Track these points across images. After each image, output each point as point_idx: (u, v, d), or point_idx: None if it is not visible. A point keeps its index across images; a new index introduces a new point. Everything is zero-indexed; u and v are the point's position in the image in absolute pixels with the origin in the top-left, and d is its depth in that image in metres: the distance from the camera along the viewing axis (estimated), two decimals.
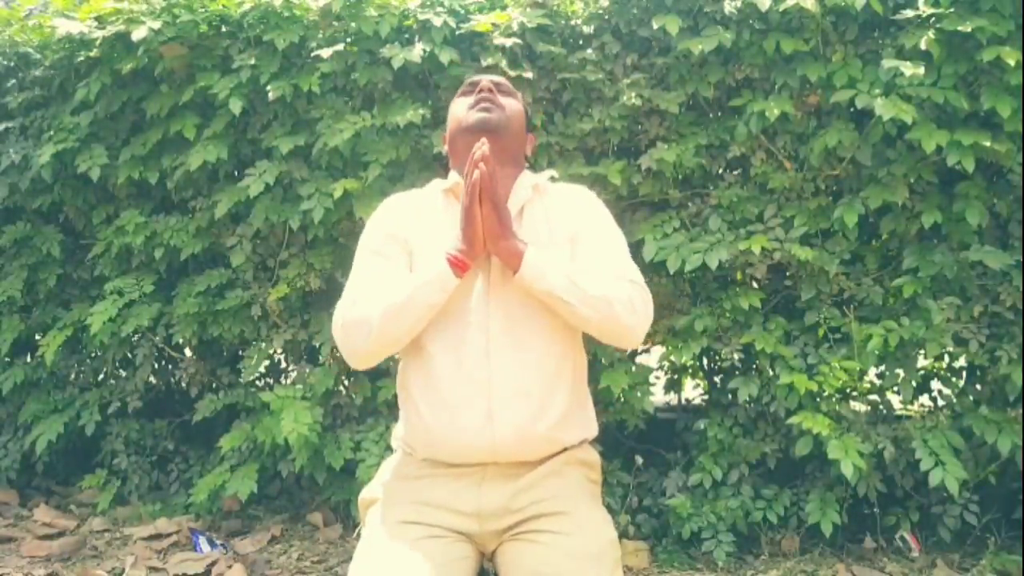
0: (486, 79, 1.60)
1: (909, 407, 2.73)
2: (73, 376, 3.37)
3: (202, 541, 2.79)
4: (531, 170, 1.65)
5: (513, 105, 1.60)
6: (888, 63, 2.34)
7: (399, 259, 1.50)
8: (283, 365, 3.42)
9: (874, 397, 2.70)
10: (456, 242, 1.41)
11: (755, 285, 2.78)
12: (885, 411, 2.69)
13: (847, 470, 2.36)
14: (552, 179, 1.65)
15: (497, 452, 1.42)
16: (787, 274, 2.69)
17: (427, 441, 1.47)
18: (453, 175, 1.59)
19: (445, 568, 1.36)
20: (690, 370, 3.10)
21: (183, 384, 3.20)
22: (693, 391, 3.33)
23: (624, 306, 1.42)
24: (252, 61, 2.75)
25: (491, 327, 1.44)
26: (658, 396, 3.11)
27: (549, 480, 1.47)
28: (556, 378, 1.46)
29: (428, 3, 2.73)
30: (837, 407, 2.55)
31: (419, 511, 1.45)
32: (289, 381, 3.26)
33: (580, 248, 1.50)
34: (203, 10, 2.80)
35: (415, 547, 1.38)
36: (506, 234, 1.40)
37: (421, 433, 1.48)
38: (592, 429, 1.59)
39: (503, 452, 1.43)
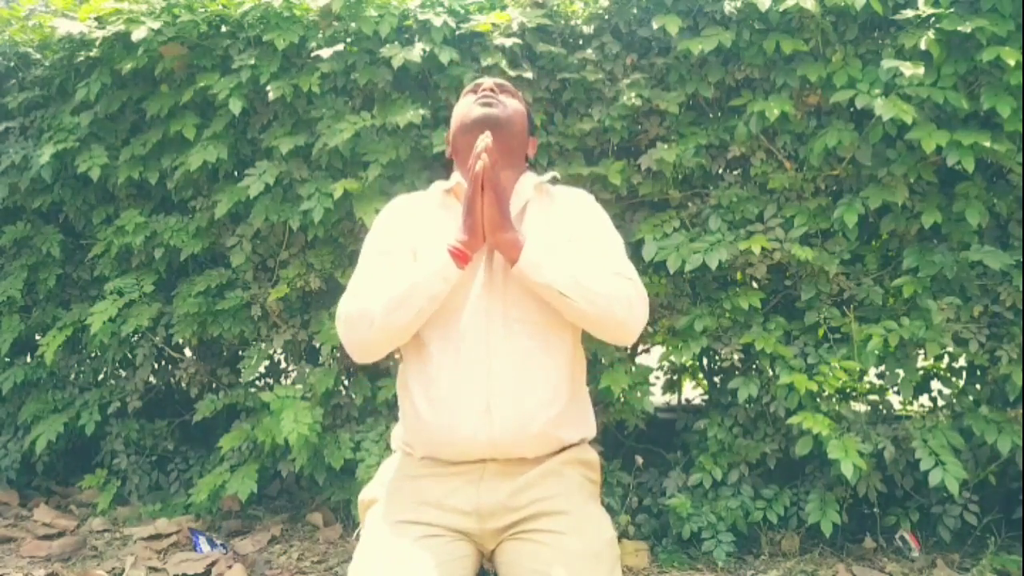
0: (489, 80, 1.63)
1: (909, 407, 2.73)
2: (73, 376, 3.37)
3: (202, 541, 2.79)
4: (533, 171, 1.66)
5: (515, 105, 1.61)
6: (888, 63, 2.35)
7: (403, 257, 1.51)
8: (283, 365, 3.42)
9: (874, 397, 2.70)
10: (457, 233, 1.42)
11: (755, 285, 2.78)
12: (885, 411, 2.69)
13: (847, 470, 2.36)
14: (554, 180, 1.66)
15: (496, 447, 1.43)
16: (787, 274, 2.69)
17: (426, 437, 1.47)
18: (455, 175, 1.61)
19: (445, 567, 1.36)
20: (690, 370, 3.10)
21: (183, 384, 3.20)
22: (693, 391, 3.33)
23: (621, 303, 1.43)
24: (252, 61, 2.75)
25: (490, 323, 1.45)
26: (658, 396, 3.12)
27: (548, 479, 1.47)
28: (555, 375, 1.47)
29: (428, 3, 2.73)
30: (837, 407, 2.55)
31: (418, 510, 1.45)
32: (289, 381, 3.26)
33: (578, 246, 1.51)
34: (203, 10, 2.80)
35: (415, 546, 1.38)
36: (506, 225, 1.41)
37: (420, 429, 1.48)
38: (591, 428, 1.59)
39: (502, 448, 1.43)
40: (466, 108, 1.60)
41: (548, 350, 1.47)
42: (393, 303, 1.41)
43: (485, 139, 1.41)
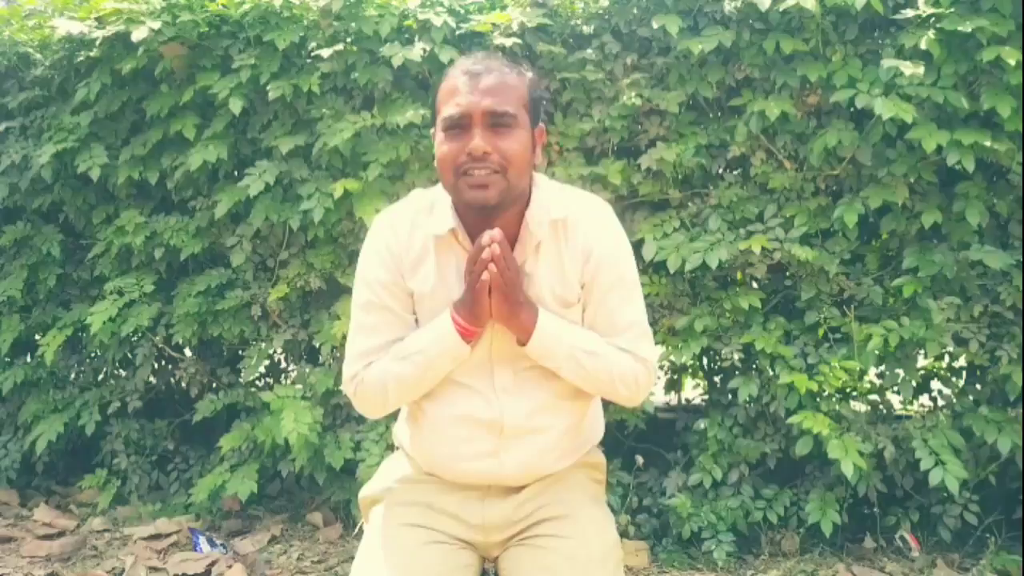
0: (478, 140, 1.29)
1: (909, 407, 2.73)
2: (73, 376, 3.37)
3: (202, 541, 2.79)
4: (542, 168, 1.52)
5: (512, 149, 1.30)
6: (888, 63, 2.34)
7: (401, 306, 1.42)
8: (283, 365, 3.42)
9: (874, 397, 2.70)
10: (462, 311, 1.34)
11: (755, 285, 2.78)
12: (885, 411, 2.69)
13: (847, 470, 2.35)
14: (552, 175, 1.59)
15: (503, 481, 1.44)
16: (787, 274, 2.69)
17: (430, 465, 1.48)
18: (441, 208, 1.41)
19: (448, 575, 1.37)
20: (690, 370, 3.10)
21: (183, 384, 3.20)
22: (693, 391, 3.33)
23: (626, 385, 1.41)
24: (252, 61, 2.75)
25: (495, 375, 1.41)
26: (658, 396, 3.11)
27: (554, 485, 1.47)
28: (564, 411, 1.45)
29: (428, 3, 2.73)
30: (837, 407, 2.55)
31: (424, 515, 1.44)
32: (289, 381, 3.26)
33: (592, 299, 1.42)
34: (203, 10, 2.80)
35: (418, 552, 1.38)
36: (516, 313, 1.34)
37: (426, 457, 1.48)
38: (598, 434, 1.58)
39: (509, 482, 1.44)
40: (452, 170, 1.32)
41: (557, 395, 1.43)
42: (405, 383, 1.39)
43: (491, 245, 1.29)
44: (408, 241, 1.41)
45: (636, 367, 1.41)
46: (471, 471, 1.42)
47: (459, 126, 1.32)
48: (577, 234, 1.40)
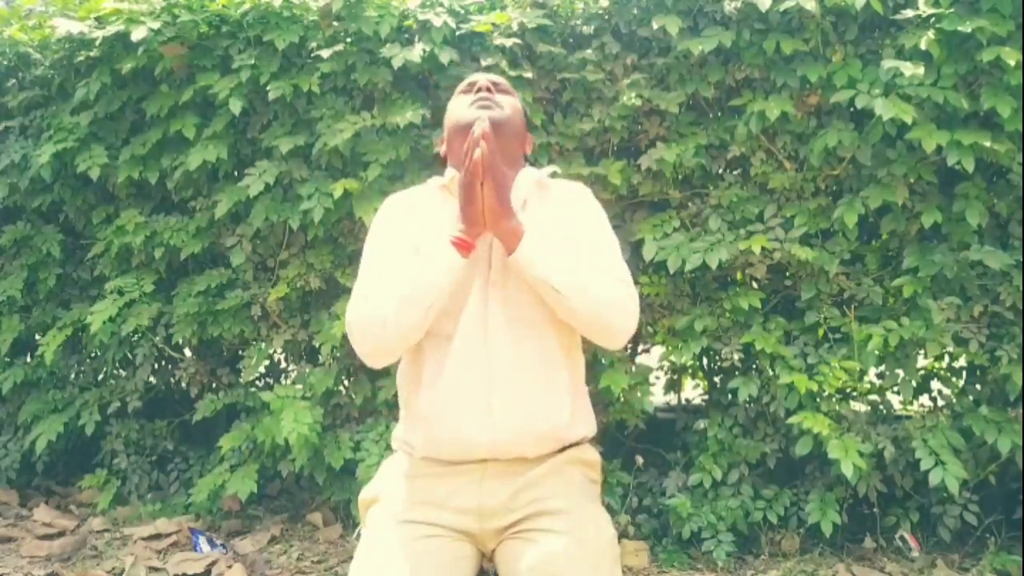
0: (484, 78, 1.59)
1: (909, 407, 2.73)
2: (73, 376, 3.37)
3: (202, 541, 2.79)
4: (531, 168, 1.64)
5: (513, 103, 1.59)
6: (888, 63, 2.34)
7: (406, 256, 1.47)
8: (283, 365, 3.42)
9: (874, 397, 2.70)
10: (457, 223, 1.40)
11: (755, 285, 2.78)
12: (885, 411, 2.69)
13: (847, 470, 2.36)
14: (554, 174, 1.64)
15: (497, 447, 1.43)
16: (787, 274, 2.69)
17: (427, 436, 1.47)
18: (450, 171, 1.58)
19: (445, 568, 1.37)
20: (690, 370, 3.10)
21: (183, 384, 3.20)
22: (693, 391, 3.33)
23: (616, 308, 1.43)
24: (252, 61, 2.75)
25: (490, 322, 1.44)
26: (658, 396, 3.11)
27: (549, 479, 1.47)
28: (555, 375, 1.47)
29: (428, 3, 2.73)
30: (837, 407, 2.55)
31: (419, 510, 1.45)
32: (289, 381, 3.27)
33: (576, 244, 1.50)
34: (203, 10, 2.80)
35: (415, 547, 1.38)
36: (507, 212, 1.39)
37: (421, 428, 1.48)
38: (591, 426, 1.59)
39: (503, 447, 1.43)
40: (461, 109, 1.56)
41: (549, 350, 1.47)
42: (403, 302, 1.40)
43: (482, 123, 1.38)
44: (415, 201, 1.59)
45: (624, 291, 1.45)
46: (467, 438, 1.42)
47: (469, 90, 1.59)
48: (559, 195, 1.59)
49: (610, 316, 1.42)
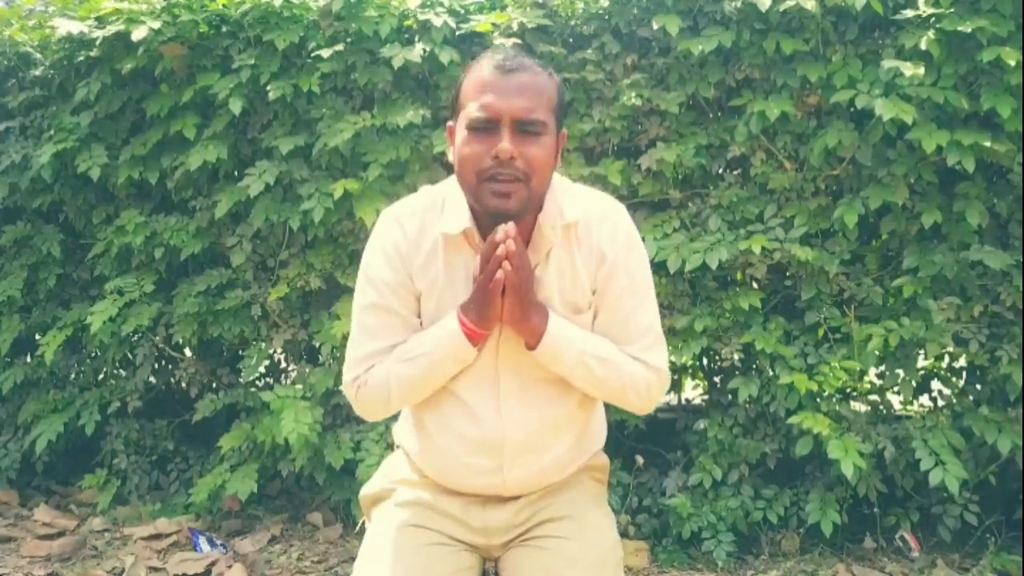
0: (505, 145, 1.24)
1: (909, 407, 2.73)
2: (73, 376, 3.36)
3: (202, 541, 2.79)
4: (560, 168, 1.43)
5: (538, 156, 1.27)
6: (888, 63, 2.34)
7: (407, 309, 1.39)
8: (283, 365, 3.42)
9: (874, 397, 2.70)
10: (471, 313, 1.31)
11: (755, 285, 2.78)
12: (885, 411, 2.69)
13: (847, 470, 2.35)
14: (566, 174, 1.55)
15: (507, 493, 1.44)
16: (787, 274, 2.69)
17: (435, 473, 1.46)
18: (454, 207, 1.35)
19: None
20: (690, 370, 3.10)
21: (183, 384, 3.20)
22: (693, 391, 3.33)
23: (637, 393, 1.39)
24: (252, 61, 2.75)
25: (502, 387, 1.39)
26: None
27: (555, 488, 1.47)
28: (569, 428, 1.44)
29: (428, 3, 2.73)
30: (837, 407, 2.55)
31: (426, 516, 1.44)
32: (289, 381, 3.26)
33: (605, 304, 1.39)
34: (203, 10, 2.80)
35: (421, 553, 1.38)
36: (528, 315, 1.31)
37: (430, 470, 1.47)
38: (601, 439, 1.57)
39: (513, 492, 1.44)
40: (475, 175, 1.27)
41: (563, 405, 1.41)
42: (407, 384, 1.35)
43: (506, 242, 1.23)
44: (417, 240, 1.36)
45: (648, 375, 1.38)
46: (475, 486, 1.42)
47: (487, 128, 1.26)
48: (590, 237, 1.37)
49: (629, 399, 1.40)
